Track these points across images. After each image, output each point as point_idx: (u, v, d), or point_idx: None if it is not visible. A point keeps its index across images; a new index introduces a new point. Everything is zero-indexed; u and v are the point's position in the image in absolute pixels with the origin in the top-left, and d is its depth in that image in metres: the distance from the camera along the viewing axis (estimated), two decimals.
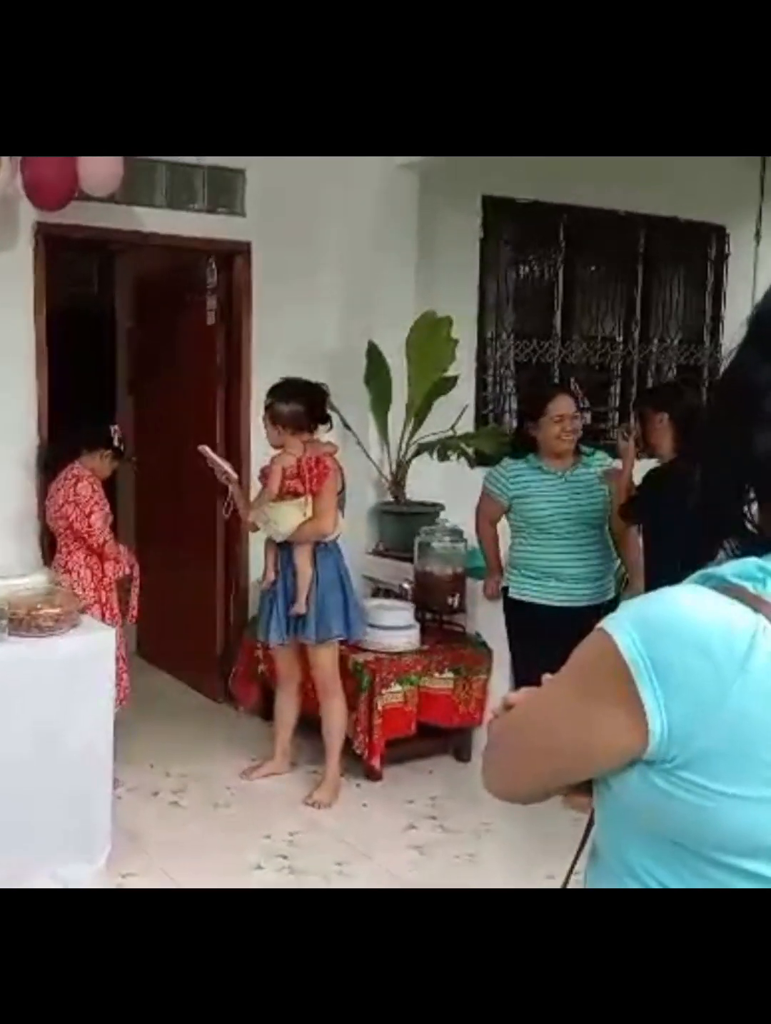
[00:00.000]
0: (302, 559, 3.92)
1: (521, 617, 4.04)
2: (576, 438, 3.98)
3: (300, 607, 3.92)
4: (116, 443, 4.06)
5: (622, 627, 0.94)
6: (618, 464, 4.09)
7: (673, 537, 3.75)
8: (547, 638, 3.79)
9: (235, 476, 4.15)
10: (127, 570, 4.06)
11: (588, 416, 5.54)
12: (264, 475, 4.02)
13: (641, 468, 3.95)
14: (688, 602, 0.93)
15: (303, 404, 3.89)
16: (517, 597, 4.04)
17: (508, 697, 1.16)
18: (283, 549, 3.98)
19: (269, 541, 4.03)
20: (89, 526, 3.88)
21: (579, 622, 3.63)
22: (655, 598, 0.96)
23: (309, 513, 3.89)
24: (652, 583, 3.72)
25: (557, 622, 3.76)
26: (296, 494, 3.90)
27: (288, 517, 3.91)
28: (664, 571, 3.74)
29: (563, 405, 3.96)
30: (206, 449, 4.14)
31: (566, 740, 1.00)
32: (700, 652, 0.89)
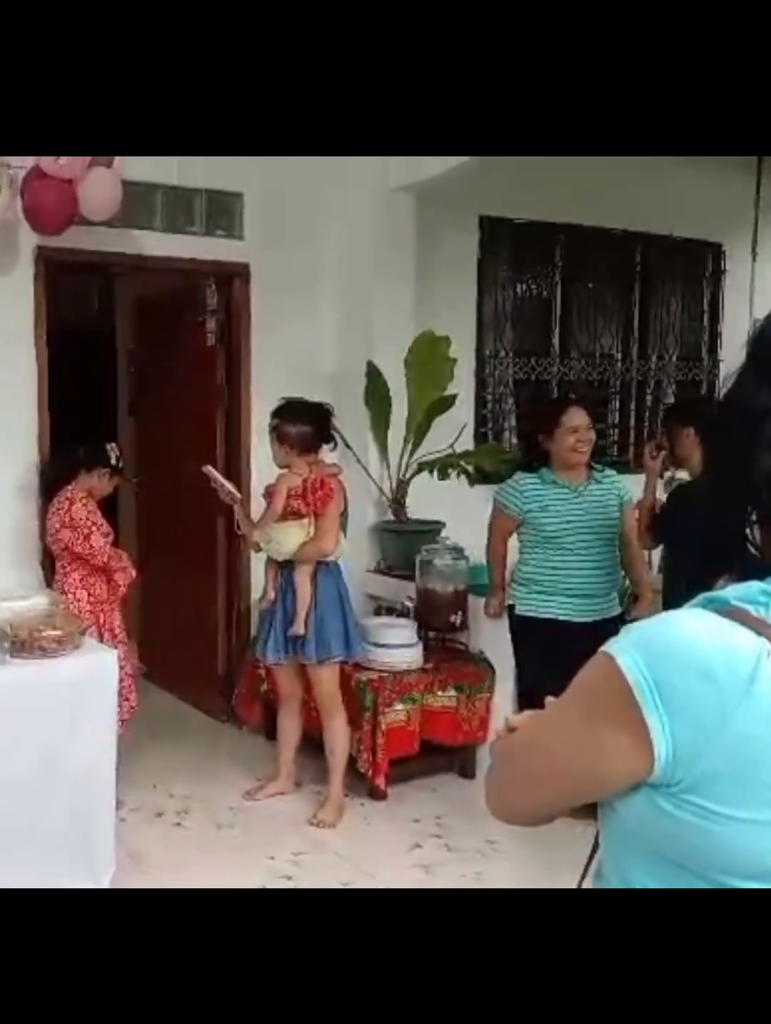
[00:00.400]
0: (302, 579, 3.93)
1: (528, 633, 4.03)
2: (589, 450, 3.99)
3: (298, 628, 3.92)
4: (114, 461, 4.06)
5: (626, 651, 0.94)
6: (630, 481, 4.11)
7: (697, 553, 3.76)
8: (553, 653, 3.79)
9: (239, 496, 4.17)
10: (133, 574, 4.06)
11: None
12: (269, 494, 4.03)
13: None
14: (691, 626, 0.93)
15: (310, 425, 3.92)
16: (524, 613, 4.02)
17: (511, 719, 1.16)
18: (283, 568, 3.99)
19: (270, 560, 4.04)
20: (91, 548, 3.89)
21: (586, 637, 3.64)
22: (659, 621, 0.96)
23: (311, 534, 3.90)
24: (676, 600, 3.70)
25: (564, 637, 3.77)
26: (299, 515, 3.91)
27: (291, 537, 3.92)
28: (689, 589, 3.72)
29: (577, 417, 3.96)
30: (210, 470, 4.17)
31: (570, 763, 1.00)
32: (704, 676, 0.90)
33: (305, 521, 3.91)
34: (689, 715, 0.90)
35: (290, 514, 3.92)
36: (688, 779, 0.90)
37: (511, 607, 4.10)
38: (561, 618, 3.93)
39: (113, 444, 4.08)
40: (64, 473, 4.04)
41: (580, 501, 3.94)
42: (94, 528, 3.90)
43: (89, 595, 3.92)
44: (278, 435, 3.92)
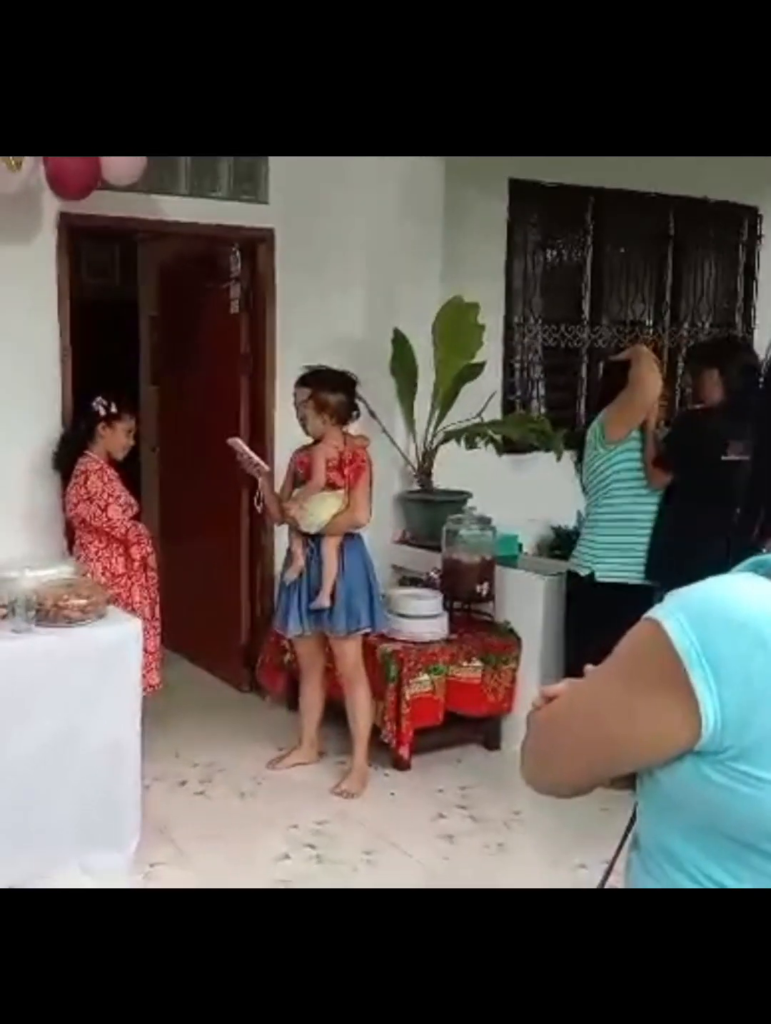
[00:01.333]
0: (330, 551, 3.90)
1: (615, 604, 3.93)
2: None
3: (324, 600, 3.90)
4: (103, 412, 3.97)
5: (673, 615, 0.92)
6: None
7: (703, 485, 3.71)
8: (609, 622, 3.73)
9: (266, 468, 4.14)
10: (148, 548, 4.02)
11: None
12: (302, 466, 3.98)
13: None
14: (741, 591, 0.92)
15: (348, 395, 3.90)
16: (609, 579, 3.92)
17: (548, 689, 1.13)
18: (311, 540, 3.96)
19: (297, 531, 4.00)
20: (109, 520, 3.87)
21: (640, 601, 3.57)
22: (706, 586, 0.94)
23: (342, 505, 3.88)
24: (687, 531, 3.65)
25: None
26: (334, 486, 3.89)
27: (325, 508, 3.89)
28: (693, 523, 3.58)
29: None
30: (236, 442, 4.14)
31: (614, 731, 0.98)
32: (754, 642, 0.88)
33: (340, 492, 3.88)
34: (739, 682, 0.88)
35: (326, 485, 3.89)
36: (736, 746, 0.89)
37: (586, 577, 3.98)
38: (622, 580, 3.88)
39: (99, 397, 4.00)
40: (72, 449, 4.03)
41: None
42: (111, 499, 3.88)
43: (104, 568, 3.91)
44: (316, 403, 3.85)
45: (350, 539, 3.95)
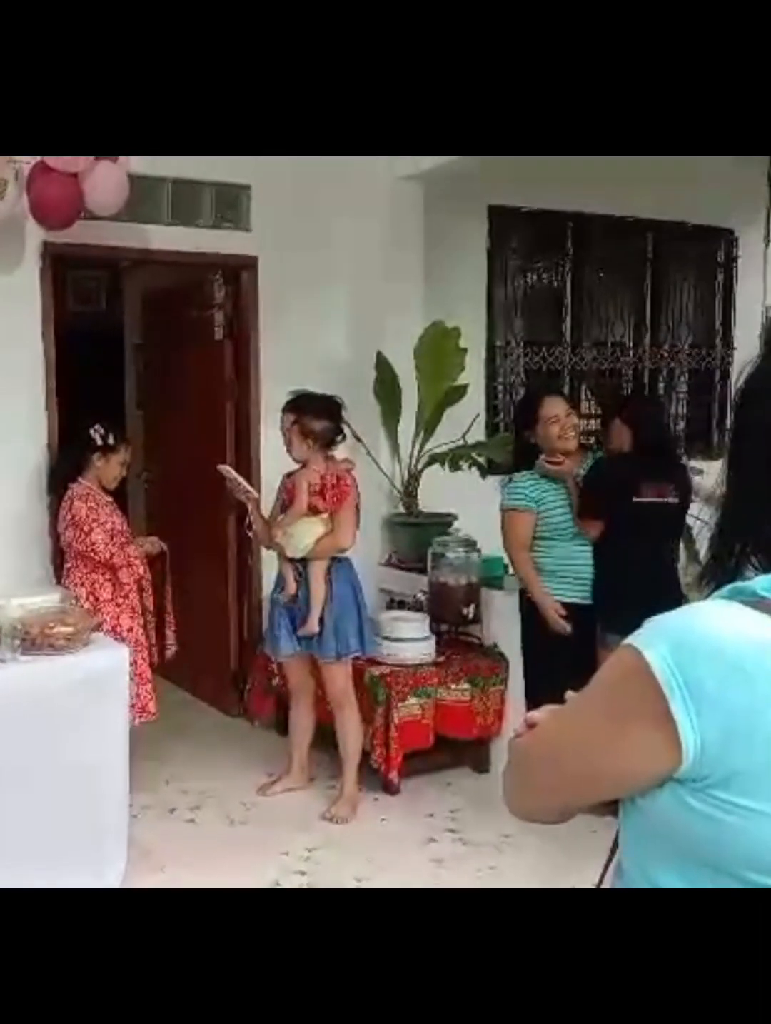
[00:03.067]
0: (317, 576, 3.91)
1: (539, 618, 3.99)
2: (576, 435, 4.01)
3: (312, 626, 3.90)
4: (100, 441, 3.96)
5: (652, 644, 0.92)
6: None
7: (622, 524, 3.86)
8: (564, 640, 3.81)
9: (256, 494, 4.14)
10: (141, 571, 3.98)
11: (597, 422, 5.50)
12: (286, 492, 4.00)
13: None
14: (721, 618, 0.91)
15: (332, 420, 3.92)
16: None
17: (530, 716, 1.13)
18: (297, 565, 3.96)
19: (283, 556, 4.00)
20: (91, 544, 3.85)
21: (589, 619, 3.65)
22: (686, 614, 0.94)
23: (326, 530, 3.89)
24: (620, 569, 3.79)
25: (576, 622, 3.85)
26: (316, 511, 3.90)
27: (308, 533, 3.90)
28: (614, 555, 3.76)
29: (554, 406, 4.00)
30: (226, 468, 4.15)
31: (594, 760, 0.98)
32: (734, 669, 0.88)
33: (323, 517, 3.89)
34: (719, 711, 0.88)
35: (308, 510, 3.90)
36: (716, 775, 0.89)
37: (523, 593, 4.08)
38: (570, 601, 3.93)
39: (96, 426, 3.98)
40: (63, 475, 4.03)
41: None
42: (95, 525, 3.86)
43: (90, 593, 3.88)
44: (300, 429, 3.88)
45: (337, 563, 3.95)
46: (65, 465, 4.08)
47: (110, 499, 4.04)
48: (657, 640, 0.91)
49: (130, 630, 3.93)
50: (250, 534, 4.34)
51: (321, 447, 3.90)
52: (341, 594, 3.94)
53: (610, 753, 0.95)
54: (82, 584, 3.90)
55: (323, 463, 3.92)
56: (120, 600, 3.95)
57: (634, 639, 0.94)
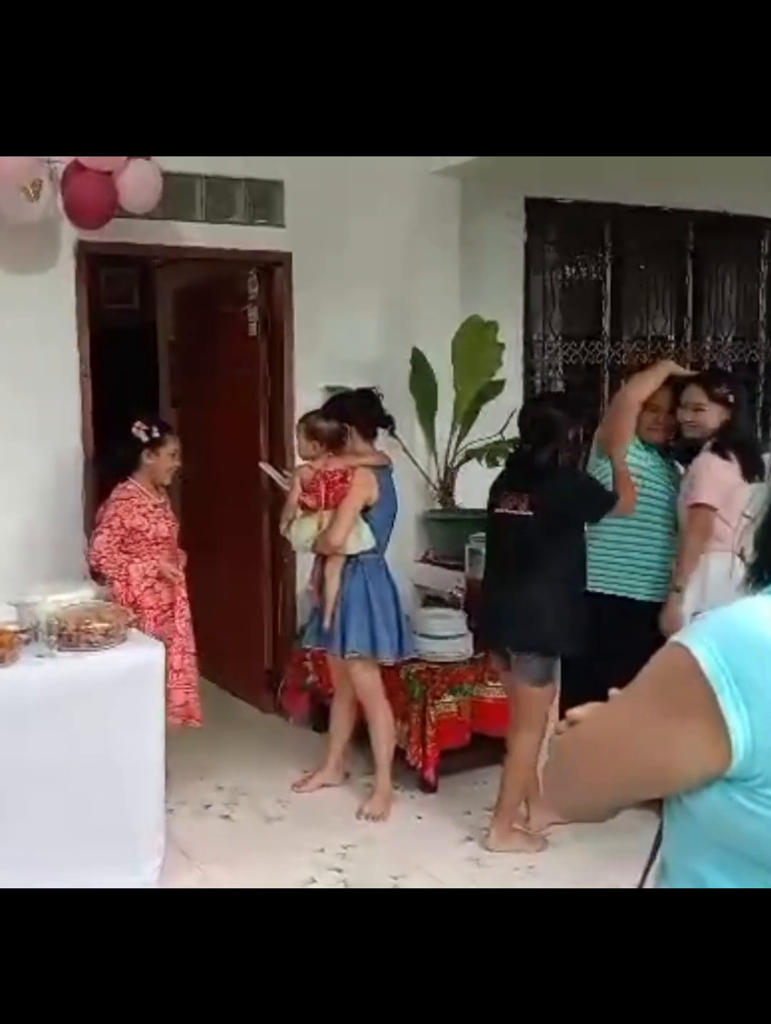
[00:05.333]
0: (330, 573, 3.91)
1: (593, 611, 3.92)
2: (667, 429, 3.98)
3: (325, 621, 3.93)
4: (145, 438, 3.88)
5: (701, 641, 0.90)
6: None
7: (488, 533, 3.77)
8: (608, 635, 3.71)
9: (290, 476, 4.13)
10: (135, 594, 3.84)
11: None
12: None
13: None
14: (769, 613, 0.90)
15: (339, 421, 3.93)
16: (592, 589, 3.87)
17: (573, 713, 1.11)
18: (319, 562, 4.01)
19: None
20: (91, 543, 3.84)
21: (643, 616, 3.56)
22: (734, 610, 0.92)
23: (318, 527, 3.90)
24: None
25: (623, 615, 3.78)
26: (304, 506, 3.93)
27: (302, 530, 3.95)
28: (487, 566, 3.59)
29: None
30: (266, 465, 4.22)
31: (641, 758, 0.96)
32: None
33: (319, 514, 3.91)
34: (770, 708, 0.86)
35: (299, 506, 3.95)
36: (766, 773, 0.87)
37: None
38: (622, 595, 3.88)
39: (139, 422, 3.90)
40: (109, 478, 3.98)
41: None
42: (106, 529, 3.79)
43: (131, 598, 3.84)
44: (307, 429, 3.96)
45: (354, 563, 3.92)
46: (111, 468, 3.99)
47: (160, 502, 3.95)
48: (706, 636, 0.90)
49: (176, 635, 3.90)
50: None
51: (326, 446, 3.91)
52: (352, 593, 3.90)
53: (658, 750, 0.93)
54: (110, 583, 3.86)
55: (324, 461, 3.92)
56: (165, 607, 3.91)
57: (681, 636, 0.92)
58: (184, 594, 3.99)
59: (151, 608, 3.88)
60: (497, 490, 3.74)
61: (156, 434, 3.89)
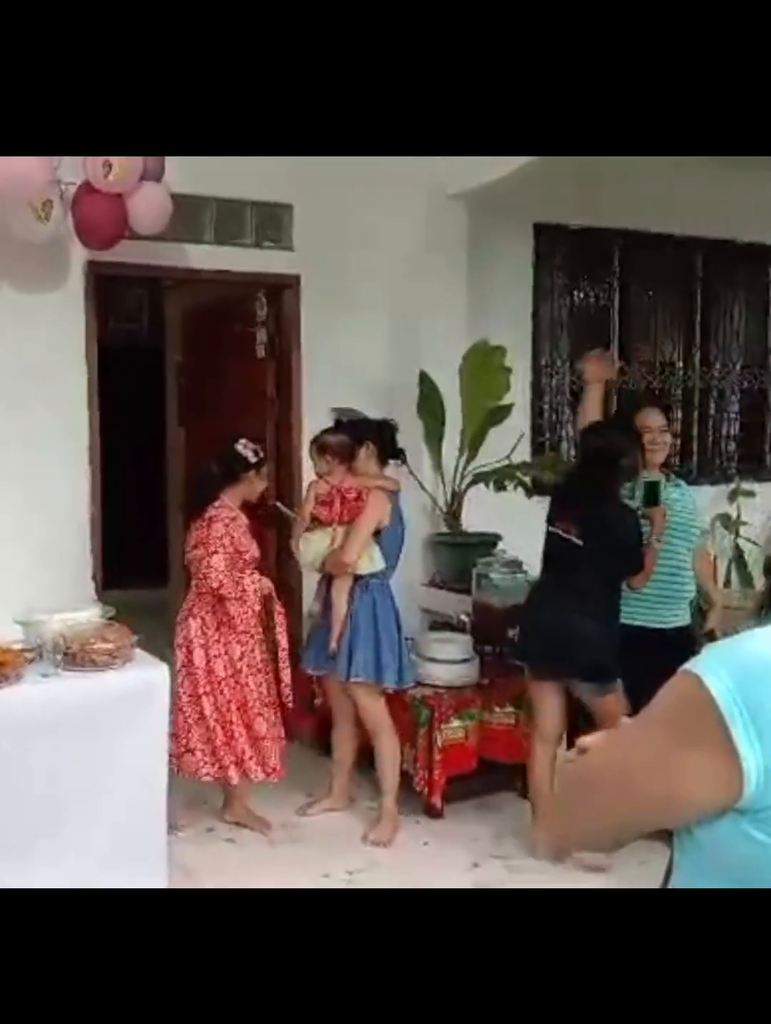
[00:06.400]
0: (338, 594, 3.87)
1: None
2: (664, 452, 3.96)
3: (331, 644, 3.87)
4: (254, 459, 3.80)
5: (713, 670, 0.89)
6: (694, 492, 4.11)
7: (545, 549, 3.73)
8: (631, 664, 3.67)
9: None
10: (256, 607, 3.77)
11: None
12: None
13: None
14: None
15: (351, 438, 3.94)
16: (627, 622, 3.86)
17: (583, 741, 1.10)
18: (322, 581, 3.97)
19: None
20: (208, 568, 3.68)
21: (662, 645, 3.54)
22: (747, 640, 0.91)
23: (334, 544, 3.86)
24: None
25: (643, 645, 3.68)
26: (317, 520, 3.90)
27: (311, 546, 3.90)
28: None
29: (650, 416, 3.96)
30: (279, 504, 4.24)
31: (652, 788, 0.94)
32: None
33: (330, 530, 3.87)
34: None
35: (312, 521, 3.92)
36: None
37: None
38: (637, 624, 3.82)
39: (244, 440, 3.81)
40: (206, 494, 3.84)
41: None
42: (221, 548, 3.67)
43: (201, 624, 3.77)
44: (318, 447, 3.95)
45: (362, 585, 3.88)
46: (211, 484, 3.84)
47: (248, 522, 3.85)
48: (718, 666, 0.89)
49: (255, 675, 3.79)
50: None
51: (339, 460, 3.90)
52: (360, 617, 3.86)
53: (669, 780, 0.91)
54: (191, 615, 3.77)
55: (340, 477, 3.91)
56: (230, 635, 3.78)
57: (693, 665, 0.91)
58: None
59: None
60: (556, 506, 3.73)
61: (262, 454, 3.90)
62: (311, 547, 3.91)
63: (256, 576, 3.80)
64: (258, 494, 3.93)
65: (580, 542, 3.58)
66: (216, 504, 3.77)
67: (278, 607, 3.89)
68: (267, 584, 3.83)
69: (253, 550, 3.80)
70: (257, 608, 3.80)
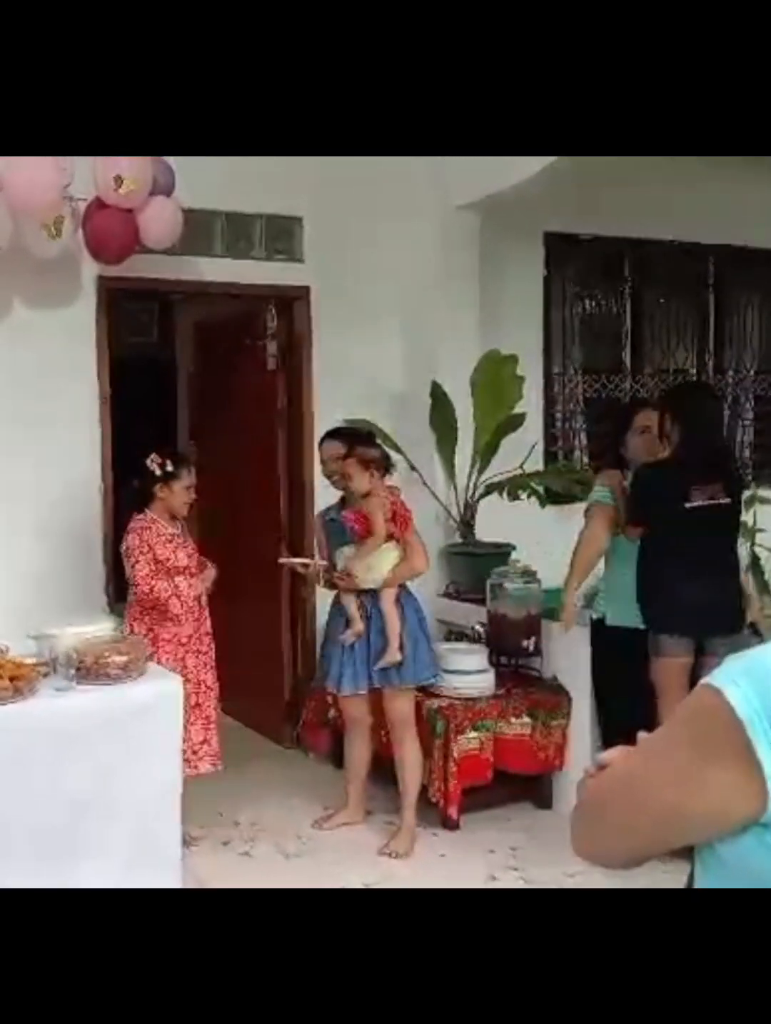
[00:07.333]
0: (390, 606, 3.85)
1: (621, 645, 3.89)
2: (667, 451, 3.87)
3: (395, 654, 3.82)
4: (158, 472, 3.84)
5: (735, 682, 0.87)
6: None
7: (668, 536, 3.71)
8: (634, 671, 3.68)
9: (322, 562, 4.05)
10: (190, 603, 3.84)
11: None
12: (359, 523, 3.88)
13: None
14: None
15: (381, 448, 3.93)
16: (616, 624, 3.92)
17: (602, 756, 1.08)
18: (368, 598, 3.89)
19: (346, 591, 3.92)
20: (133, 576, 3.79)
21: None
22: (766, 651, 0.89)
23: (400, 557, 3.86)
24: (652, 573, 3.68)
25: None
26: (392, 538, 3.86)
27: (385, 562, 3.85)
28: (664, 562, 3.58)
29: (648, 417, 3.94)
30: (285, 560, 4.24)
31: (672, 803, 0.92)
32: None
33: (394, 543, 3.86)
34: None
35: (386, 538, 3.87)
36: None
37: (600, 621, 3.99)
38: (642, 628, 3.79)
39: (153, 455, 3.85)
40: (130, 507, 3.93)
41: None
42: (141, 556, 3.77)
43: (147, 630, 3.80)
44: (359, 461, 3.82)
45: (404, 591, 3.91)
46: (129, 500, 3.96)
47: (177, 531, 3.92)
48: (739, 678, 0.88)
49: (195, 670, 3.84)
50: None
51: (381, 475, 3.86)
52: (412, 621, 3.90)
53: (690, 795, 0.90)
54: (135, 619, 3.85)
55: (386, 490, 3.88)
56: (184, 640, 3.84)
57: (714, 678, 0.89)
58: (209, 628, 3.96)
59: (192, 635, 3.87)
60: (676, 486, 3.65)
61: (170, 468, 3.84)
62: (386, 563, 3.84)
63: (190, 580, 3.85)
64: (183, 506, 3.91)
65: (728, 499, 3.68)
66: (137, 516, 3.83)
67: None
68: (202, 588, 3.88)
69: (178, 560, 3.83)
70: (192, 605, 3.84)
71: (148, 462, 3.83)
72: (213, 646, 3.96)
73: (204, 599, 3.93)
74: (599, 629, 4.03)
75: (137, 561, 3.76)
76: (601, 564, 4.07)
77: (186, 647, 3.85)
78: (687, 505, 3.63)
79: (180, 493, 3.87)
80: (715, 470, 3.71)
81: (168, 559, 3.83)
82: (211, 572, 3.98)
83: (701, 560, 3.67)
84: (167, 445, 4.13)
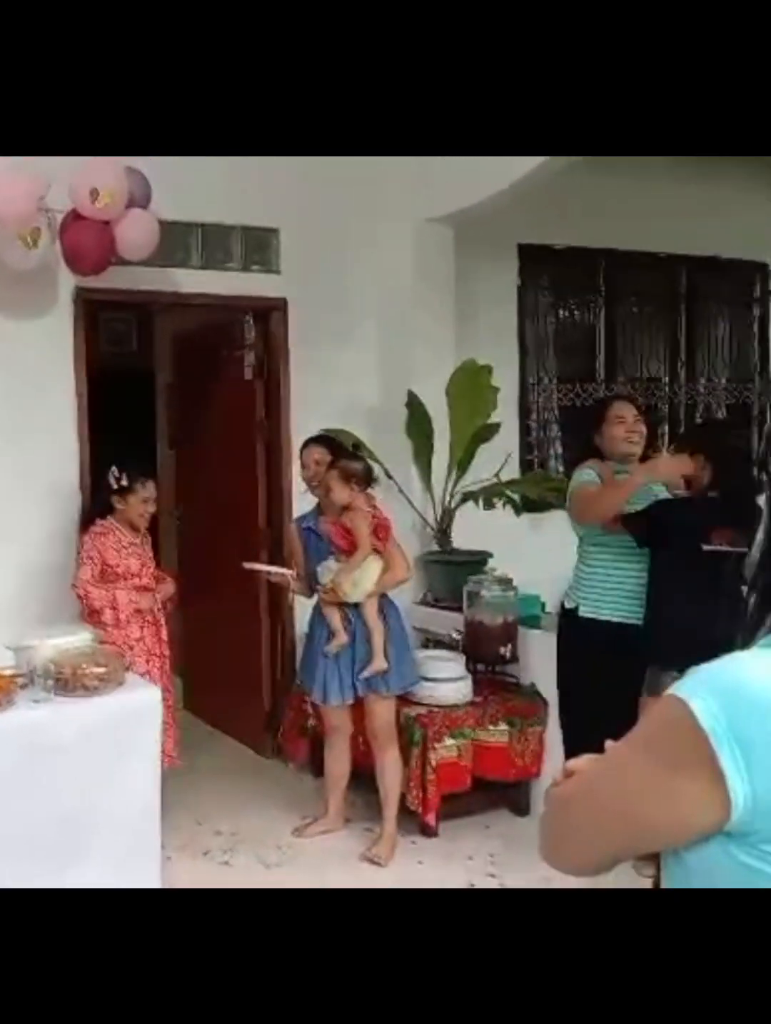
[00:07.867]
0: (373, 616, 3.87)
1: (590, 635, 3.85)
2: (641, 443, 3.90)
3: (381, 663, 3.84)
4: (115, 485, 3.95)
5: (698, 694, 0.89)
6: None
7: (683, 573, 3.68)
8: (604, 663, 3.67)
9: (293, 572, 4.08)
10: (123, 616, 3.90)
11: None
12: (341, 536, 3.88)
13: None
14: (768, 668, 0.89)
15: (364, 461, 3.95)
16: (588, 615, 3.85)
17: (569, 764, 1.10)
18: (350, 609, 3.90)
19: (328, 603, 3.93)
20: (74, 577, 3.92)
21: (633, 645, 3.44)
22: (731, 664, 0.91)
23: (382, 567, 3.88)
24: (661, 607, 3.65)
25: (621, 641, 3.67)
26: (375, 550, 3.88)
27: (369, 573, 3.87)
28: (673, 597, 3.55)
29: (623, 408, 3.92)
30: (252, 566, 4.20)
31: (637, 811, 0.94)
32: None
33: (377, 556, 3.88)
34: (769, 765, 0.85)
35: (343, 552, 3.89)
36: (767, 829, 0.86)
37: (572, 610, 3.92)
38: (615, 620, 3.77)
39: (113, 467, 3.97)
40: (90, 518, 4.05)
41: (645, 495, 3.78)
42: (87, 560, 3.91)
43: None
44: (342, 473, 3.83)
45: (385, 599, 3.93)
46: (92, 509, 4.11)
47: (135, 540, 4.01)
48: (703, 690, 0.89)
49: (145, 673, 3.86)
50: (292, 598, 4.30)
51: (363, 487, 3.87)
52: (395, 629, 3.93)
53: (655, 804, 0.92)
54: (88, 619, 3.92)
55: (366, 502, 3.89)
56: (133, 643, 3.91)
57: (679, 689, 0.91)
58: (164, 635, 4.05)
59: (138, 640, 3.93)
60: (696, 526, 3.55)
61: (125, 482, 3.96)
62: (369, 575, 3.86)
63: (132, 592, 3.91)
64: (140, 517, 4.01)
65: (745, 550, 3.57)
66: (99, 521, 3.97)
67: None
68: (146, 602, 3.94)
69: (128, 565, 3.92)
70: (126, 622, 3.89)
71: (108, 474, 3.98)
72: (168, 654, 4.06)
73: (157, 610, 4.04)
74: (571, 620, 3.94)
75: (82, 564, 3.92)
76: (575, 556, 4.05)
77: (134, 650, 3.90)
78: (705, 547, 3.56)
79: (136, 505, 3.99)
80: (739, 520, 3.64)
81: (118, 565, 3.94)
82: (168, 587, 4.10)
83: (716, 601, 3.66)
84: (139, 457, 4.16)
